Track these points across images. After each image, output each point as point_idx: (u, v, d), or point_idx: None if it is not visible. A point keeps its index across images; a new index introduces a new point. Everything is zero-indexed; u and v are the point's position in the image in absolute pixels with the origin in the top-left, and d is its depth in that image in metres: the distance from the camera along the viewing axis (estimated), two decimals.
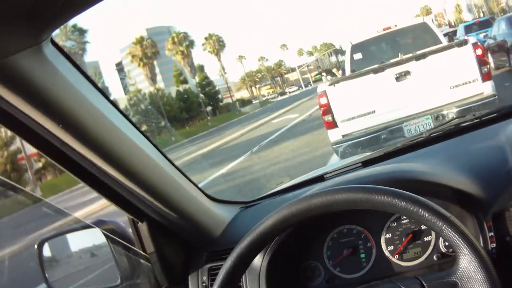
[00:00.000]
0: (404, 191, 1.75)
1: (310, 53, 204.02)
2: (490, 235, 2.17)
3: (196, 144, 44.55)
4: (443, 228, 1.65)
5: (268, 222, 1.87)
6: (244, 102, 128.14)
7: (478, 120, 3.13)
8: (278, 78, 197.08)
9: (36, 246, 2.72)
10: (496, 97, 9.80)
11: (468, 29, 36.33)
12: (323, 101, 10.13)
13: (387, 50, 14.13)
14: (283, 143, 23.59)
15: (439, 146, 2.99)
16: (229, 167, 21.19)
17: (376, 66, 10.68)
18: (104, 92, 1.94)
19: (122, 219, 2.60)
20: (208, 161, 27.06)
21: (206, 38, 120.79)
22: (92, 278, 2.94)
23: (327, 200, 1.80)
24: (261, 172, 17.88)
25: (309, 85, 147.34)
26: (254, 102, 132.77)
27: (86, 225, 2.69)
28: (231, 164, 21.68)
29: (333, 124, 10.23)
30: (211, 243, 2.67)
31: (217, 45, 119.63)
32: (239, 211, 2.97)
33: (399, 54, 11.48)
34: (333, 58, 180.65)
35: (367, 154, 3.34)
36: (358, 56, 13.48)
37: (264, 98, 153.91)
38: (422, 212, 1.68)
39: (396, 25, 13.70)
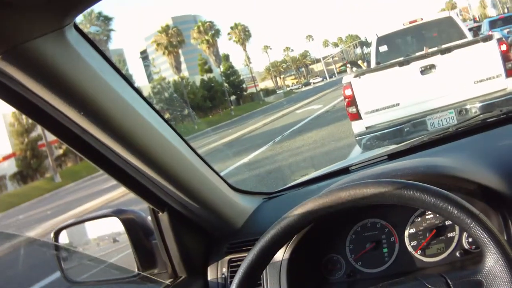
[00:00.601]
0: (433, 187, 1.71)
1: (336, 45, 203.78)
2: None
3: (219, 133, 44.73)
4: (472, 225, 1.61)
5: (294, 216, 1.84)
6: (268, 92, 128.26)
7: (505, 115, 3.09)
8: (303, 69, 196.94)
9: (52, 235, 2.73)
10: None
11: (493, 24, 36.02)
12: (348, 92, 10.10)
13: (412, 43, 14.01)
14: (306, 133, 23.48)
15: (465, 141, 2.94)
16: (251, 156, 21.23)
17: (401, 59, 10.63)
18: (128, 79, 1.92)
19: (142, 207, 2.60)
20: (230, 150, 27.19)
21: (232, 28, 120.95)
22: (109, 266, 2.93)
23: (356, 194, 1.77)
24: (283, 162, 17.90)
25: (333, 76, 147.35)
26: (278, 92, 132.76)
27: (104, 214, 2.69)
28: (253, 154, 21.73)
29: (357, 116, 10.20)
30: (232, 235, 2.64)
31: (243, 35, 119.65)
32: (262, 202, 2.94)
33: (425, 47, 11.43)
34: (358, 50, 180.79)
35: (391, 147, 3.35)
36: (383, 48, 13.41)
37: (288, 89, 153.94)
38: (451, 208, 1.64)
39: (422, 19, 13.56)
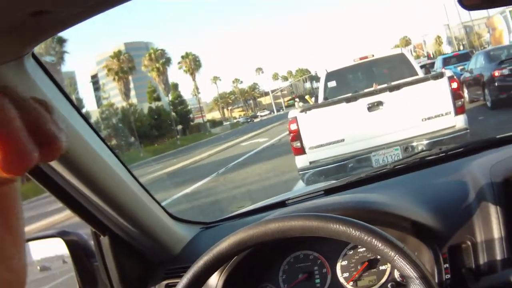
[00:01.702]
0: (358, 221, 1.79)
1: (285, 78, 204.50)
2: (445, 266, 2.25)
3: (164, 162, 44.54)
4: (396, 258, 1.68)
5: (225, 244, 1.91)
6: (215, 123, 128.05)
7: (444, 154, 3.23)
8: (251, 101, 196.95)
9: None
10: (468, 130, 9.92)
11: (446, 61, 36.53)
12: (293, 127, 10.16)
13: (362, 79, 14.04)
14: (250, 166, 23.59)
15: (402, 178, 3.06)
16: (194, 187, 21.16)
17: (349, 95, 10.75)
18: (77, 107, 2.00)
19: (85, 231, 2.62)
20: (174, 179, 27.04)
21: (182, 57, 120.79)
22: (52, 287, 2.96)
23: (284, 226, 1.84)
24: (225, 193, 17.86)
25: (281, 110, 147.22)
26: (225, 123, 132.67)
27: (48, 235, 2.70)
28: (196, 184, 21.63)
29: (301, 151, 10.26)
30: (170, 261, 2.70)
31: (193, 64, 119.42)
32: (199, 231, 3.01)
33: (374, 84, 11.53)
34: (308, 85, 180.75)
35: (331, 182, 3.39)
36: (332, 84, 13.40)
37: (235, 120, 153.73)
38: (376, 242, 1.71)
39: (373, 55, 13.57)
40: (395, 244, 1.70)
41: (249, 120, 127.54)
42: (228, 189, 18.78)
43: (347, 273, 2.51)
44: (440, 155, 3.24)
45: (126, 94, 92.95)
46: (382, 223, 2.25)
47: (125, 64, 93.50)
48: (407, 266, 1.67)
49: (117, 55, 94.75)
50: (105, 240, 2.49)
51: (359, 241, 1.75)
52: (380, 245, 1.71)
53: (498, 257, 2.23)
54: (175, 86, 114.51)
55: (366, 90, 10.95)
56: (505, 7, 52.14)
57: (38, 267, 2.90)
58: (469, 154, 3.12)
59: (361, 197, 2.65)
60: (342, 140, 10.08)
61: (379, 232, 1.74)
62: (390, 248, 1.69)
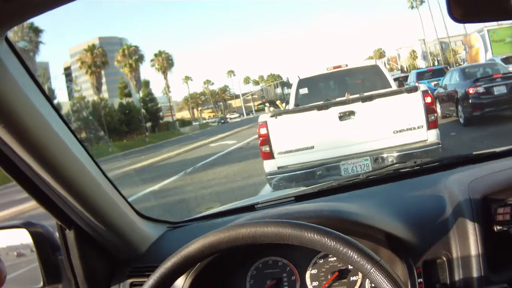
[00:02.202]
0: (334, 231, 1.75)
1: (256, 82, 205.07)
2: (419, 281, 2.24)
3: (132, 158, 44.53)
4: (372, 271, 1.64)
5: (194, 246, 1.86)
6: (184, 123, 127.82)
7: (419, 167, 3.24)
8: (221, 103, 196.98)
9: None
10: (440, 145, 9.95)
11: (420, 76, 36.69)
12: (263, 131, 10.12)
13: (334, 88, 14.03)
14: (218, 167, 23.54)
15: (375, 189, 3.04)
16: (161, 184, 21.12)
17: (320, 103, 10.71)
18: (48, 97, 1.93)
19: (51, 222, 2.55)
20: (141, 176, 26.93)
21: (155, 55, 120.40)
22: (14, 277, 2.89)
23: (257, 231, 1.80)
24: (192, 193, 17.80)
25: (250, 114, 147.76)
26: (194, 123, 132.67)
27: (13, 225, 2.66)
28: (163, 182, 21.60)
29: (269, 155, 10.22)
30: (135, 259, 2.66)
31: (166, 63, 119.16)
32: (166, 230, 2.97)
33: (346, 93, 11.51)
34: (279, 90, 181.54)
35: (300, 189, 3.38)
36: (304, 91, 13.36)
37: (204, 121, 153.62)
38: (352, 253, 1.67)
39: (347, 65, 13.53)
40: (372, 257, 1.66)
41: (223, 121, 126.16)
42: (195, 189, 18.76)
43: (317, 282, 2.50)
44: (415, 168, 3.25)
45: (97, 88, 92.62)
46: (356, 233, 2.24)
47: (98, 58, 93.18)
48: (383, 279, 1.63)
49: (91, 48, 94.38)
50: (70, 234, 2.42)
51: (334, 251, 1.71)
52: (356, 256, 1.67)
53: (475, 274, 2.24)
54: (147, 83, 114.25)
55: (338, 99, 10.89)
56: (483, 26, 52.80)
57: (15, 253, 2.84)
58: (444, 169, 3.13)
59: (334, 206, 2.60)
60: (312, 147, 10.06)
61: (355, 244, 1.70)
62: (366, 261, 1.65)
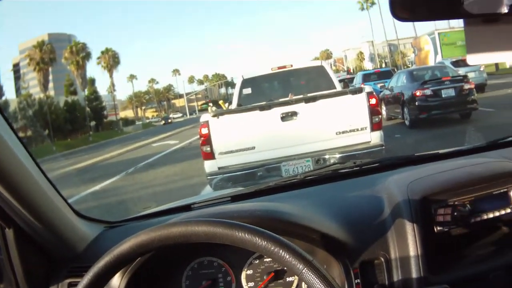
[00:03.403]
0: (265, 230, 1.71)
1: (201, 82, 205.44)
2: (356, 281, 2.29)
3: (75, 157, 44.29)
4: (304, 271, 1.60)
5: (126, 245, 1.81)
6: (127, 122, 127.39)
7: (358, 168, 3.35)
8: (165, 103, 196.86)
9: None
10: (384, 147, 9.97)
11: (367, 77, 36.99)
12: (204, 131, 9.99)
13: (278, 88, 13.95)
14: (160, 167, 23.52)
15: (313, 189, 3.11)
16: (103, 185, 20.98)
17: (263, 103, 10.64)
18: None
19: None
20: (84, 176, 26.96)
21: (102, 52, 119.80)
22: None
23: (187, 230, 1.76)
24: (133, 193, 17.69)
25: (194, 114, 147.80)
26: (137, 123, 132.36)
27: None
28: (105, 182, 21.48)
29: (210, 155, 10.10)
30: (73, 259, 2.63)
31: (112, 61, 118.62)
32: (103, 230, 2.95)
33: (290, 94, 11.48)
34: (223, 90, 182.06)
35: (239, 189, 3.41)
36: (247, 91, 13.29)
37: (148, 121, 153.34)
38: (283, 253, 1.63)
39: (291, 65, 13.47)
40: (303, 256, 1.64)
41: (169, 120, 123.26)
42: (136, 189, 18.64)
43: (252, 283, 2.55)
44: (354, 168, 3.36)
45: (44, 86, 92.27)
46: (290, 233, 2.25)
47: (46, 55, 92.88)
48: (316, 279, 1.60)
49: (40, 45, 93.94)
50: (10, 233, 2.39)
51: (265, 251, 1.68)
52: (287, 256, 1.63)
53: (414, 275, 2.30)
54: (92, 81, 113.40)
55: (281, 100, 10.85)
56: (434, 29, 53.61)
57: None
58: (384, 169, 3.25)
59: (269, 206, 2.58)
60: (253, 148, 9.98)
61: (287, 243, 1.67)
62: (298, 261, 1.62)
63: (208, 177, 10.25)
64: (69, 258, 2.62)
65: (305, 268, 1.60)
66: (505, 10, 1.51)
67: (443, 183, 2.61)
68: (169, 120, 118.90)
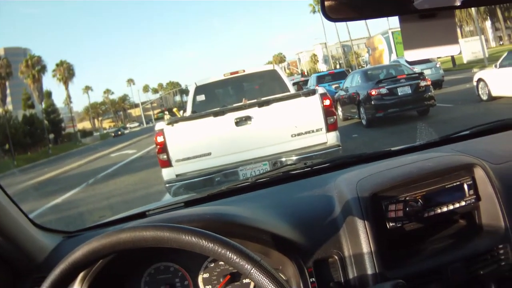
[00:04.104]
0: (211, 233, 1.72)
1: (156, 91, 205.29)
2: (311, 280, 2.31)
3: (36, 170, 44.38)
4: (252, 271, 1.61)
5: (79, 252, 1.80)
6: (85, 133, 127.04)
7: (309, 168, 3.36)
8: (121, 113, 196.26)
9: None
10: (340, 147, 9.96)
11: (321, 79, 37.07)
12: (160, 139, 9.92)
13: (232, 94, 13.94)
14: (119, 177, 23.57)
15: (265, 191, 3.12)
16: (64, 197, 20.80)
17: (217, 109, 10.59)
18: None
19: None
20: (45, 189, 26.98)
21: (57, 65, 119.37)
22: None
23: (136, 236, 1.75)
24: (94, 204, 17.64)
25: (150, 122, 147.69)
26: (95, 134, 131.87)
27: None
28: (66, 194, 21.31)
29: (167, 163, 10.03)
30: (36, 269, 2.61)
31: (67, 73, 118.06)
32: (62, 240, 2.94)
33: (244, 99, 11.50)
34: (178, 98, 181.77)
35: (192, 195, 3.39)
36: (201, 97, 13.26)
37: (105, 131, 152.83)
38: (230, 254, 1.64)
39: (244, 70, 13.45)
40: (251, 257, 1.65)
41: (119, 132, 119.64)
42: (98, 199, 18.55)
43: (209, 286, 2.57)
44: (306, 169, 3.37)
45: (2, 100, 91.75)
46: (242, 236, 2.29)
47: (3, 70, 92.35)
48: (264, 279, 1.60)
49: None
50: None
51: (213, 253, 1.68)
52: (235, 257, 1.64)
53: (369, 271, 2.34)
54: (49, 94, 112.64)
55: (234, 105, 10.82)
56: (387, 28, 54.08)
57: None
58: (335, 169, 3.28)
59: (219, 209, 2.61)
60: (209, 154, 9.93)
61: (234, 244, 1.68)
62: (245, 261, 1.63)
63: (167, 185, 10.19)
64: (32, 269, 2.60)
65: (253, 269, 1.60)
66: (458, 3, 1.55)
67: (393, 179, 2.62)
68: (119, 133, 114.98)
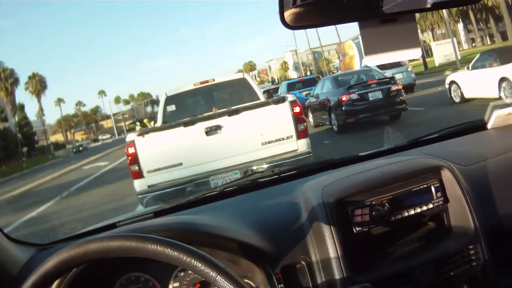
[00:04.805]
0: (177, 242, 1.73)
1: (127, 102, 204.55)
2: (280, 286, 2.34)
3: (11, 184, 44.51)
4: (217, 278, 1.63)
5: (49, 264, 1.80)
6: (58, 146, 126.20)
7: (277, 176, 3.39)
8: (93, 125, 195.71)
9: None
10: (311, 154, 9.94)
11: (291, 86, 36.92)
12: (131, 150, 9.87)
13: (202, 103, 13.90)
14: (92, 190, 23.55)
15: (233, 200, 3.14)
16: (39, 210, 20.70)
17: (187, 119, 10.51)
18: None
19: None
20: (20, 202, 26.97)
21: (29, 77, 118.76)
22: None
23: (103, 246, 1.76)
24: (68, 217, 17.64)
25: (122, 134, 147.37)
26: (68, 146, 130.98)
27: None
28: (41, 208, 21.22)
29: (139, 174, 9.97)
30: (10, 282, 2.55)
31: (39, 85, 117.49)
32: (35, 252, 2.91)
33: (214, 108, 11.47)
34: (149, 108, 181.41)
35: (162, 205, 3.41)
36: (171, 108, 13.19)
37: (78, 144, 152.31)
38: (195, 262, 1.66)
39: (214, 79, 13.34)
40: (216, 264, 1.67)
41: (80, 148, 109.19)
42: (71, 212, 18.53)
43: None
44: (273, 177, 3.40)
45: None
46: (209, 244, 2.32)
47: None
48: (230, 286, 1.63)
49: None
50: None
51: (179, 261, 1.69)
52: (200, 265, 1.66)
53: (337, 276, 2.36)
54: (22, 107, 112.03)
55: (204, 114, 10.78)
56: (358, 33, 54.61)
57: None
58: (303, 175, 3.30)
59: (186, 219, 2.64)
60: (180, 164, 9.88)
61: (198, 253, 1.70)
62: (210, 269, 1.65)
63: (139, 196, 10.12)
64: (6, 282, 2.55)
65: (218, 276, 1.62)
66: (419, 7, 1.60)
67: (358, 184, 2.66)
68: (81, 149, 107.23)
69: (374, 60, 1.70)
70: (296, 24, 1.55)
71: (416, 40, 1.71)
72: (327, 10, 1.57)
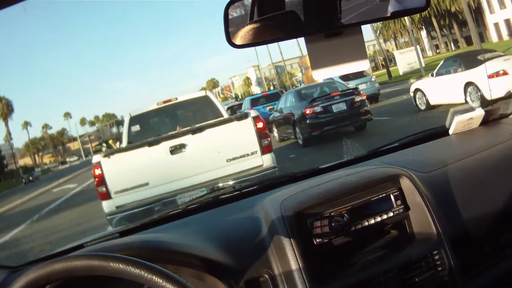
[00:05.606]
0: (138, 259, 1.77)
1: (93, 123, 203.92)
2: None
3: None
4: None
5: (18, 284, 1.82)
6: (27, 169, 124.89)
7: (238, 192, 3.43)
8: (60, 147, 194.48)
9: None
10: (276, 168, 9.95)
11: (255, 102, 36.63)
12: (97, 172, 9.78)
13: (167, 122, 13.83)
14: (62, 212, 23.35)
15: (194, 217, 3.17)
16: (11, 234, 20.66)
17: (151, 139, 10.47)
18: None
19: None
20: None
21: None
22: None
23: (68, 265, 1.79)
24: (39, 240, 17.54)
25: (89, 155, 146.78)
26: (36, 169, 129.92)
27: None
28: (13, 232, 21.15)
29: (106, 196, 9.86)
30: None
31: (6, 109, 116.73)
32: (7, 275, 2.91)
33: (178, 127, 11.44)
34: (115, 129, 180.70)
35: (128, 225, 3.46)
36: (136, 128, 13.06)
37: (46, 167, 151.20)
38: (157, 279, 1.69)
39: (176, 98, 13.22)
40: (176, 280, 1.70)
41: (30, 177, 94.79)
42: (43, 235, 18.45)
43: None
44: (235, 193, 3.44)
45: None
46: (171, 261, 2.32)
47: None
48: None
49: None
50: None
51: (141, 279, 1.72)
52: (161, 281, 1.69)
53: (299, 287, 2.37)
54: None
55: (169, 133, 10.74)
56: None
57: None
58: (264, 190, 3.34)
59: (148, 237, 2.67)
60: (147, 184, 9.83)
61: (159, 269, 1.73)
62: (171, 285, 1.68)
63: (108, 217, 10.05)
64: None
65: None
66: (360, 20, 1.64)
67: (316, 196, 2.67)
68: (30, 178, 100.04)
69: (322, 74, 1.70)
70: (243, 42, 1.55)
71: (363, 52, 1.73)
72: (273, 28, 1.58)
